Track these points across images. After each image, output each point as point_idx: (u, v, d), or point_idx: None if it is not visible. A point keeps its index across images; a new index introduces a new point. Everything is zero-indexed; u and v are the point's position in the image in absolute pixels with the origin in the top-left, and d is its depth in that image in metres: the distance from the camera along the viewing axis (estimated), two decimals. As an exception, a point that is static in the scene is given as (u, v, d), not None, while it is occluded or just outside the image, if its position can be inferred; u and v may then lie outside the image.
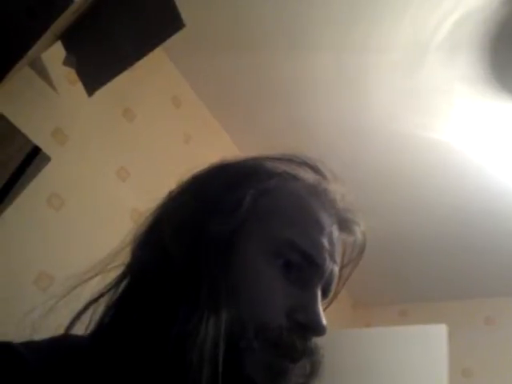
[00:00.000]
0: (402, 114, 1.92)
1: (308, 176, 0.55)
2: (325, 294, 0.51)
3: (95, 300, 0.49)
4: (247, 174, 0.53)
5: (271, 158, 0.57)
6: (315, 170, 0.57)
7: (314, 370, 0.48)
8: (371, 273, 2.55)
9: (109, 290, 0.50)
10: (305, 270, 0.48)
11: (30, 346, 0.43)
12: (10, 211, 1.28)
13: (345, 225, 0.55)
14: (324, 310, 0.50)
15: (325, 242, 0.50)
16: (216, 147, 2.12)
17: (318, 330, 0.47)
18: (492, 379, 2.42)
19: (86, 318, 0.49)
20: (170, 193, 0.54)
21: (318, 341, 0.48)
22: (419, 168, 2.13)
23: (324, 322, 0.47)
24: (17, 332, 0.46)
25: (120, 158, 1.70)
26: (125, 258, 0.51)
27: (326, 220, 0.52)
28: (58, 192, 1.48)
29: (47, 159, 1.37)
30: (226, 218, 0.48)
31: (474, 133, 1.94)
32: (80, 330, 0.48)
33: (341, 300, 0.60)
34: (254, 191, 0.50)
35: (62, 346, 0.46)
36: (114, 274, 0.51)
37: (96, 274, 0.50)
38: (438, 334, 1.78)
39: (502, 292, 2.59)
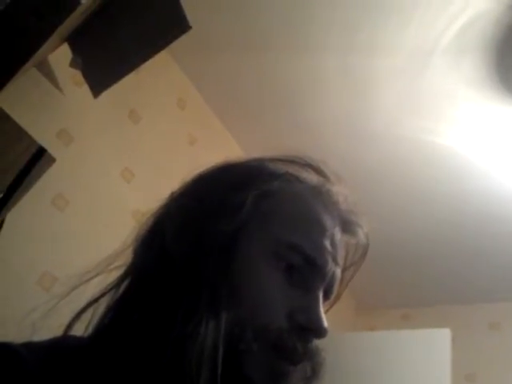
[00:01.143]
0: (407, 117, 1.92)
1: (311, 177, 0.55)
2: (327, 296, 0.50)
3: (96, 300, 0.49)
4: (250, 175, 0.52)
5: (274, 159, 0.56)
6: (318, 171, 0.56)
7: (315, 373, 0.47)
8: (374, 276, 2.54)
9: (110, 289, 0.49)
10: (306, 272, 0.48)
11: (30, 346, 0.43)
12: (15, 211, 1.28)
13: (348, 227, 0.54)
14: (326, 312, 0.49)
15: (327, 244, 0.49)
16: (221, 149, 2.12)
17: (319, 331, 0.46)
18: (496, 385, 2.41)
19: (86, 318, 0.48)
20: (173, 193, 0.53)
21: (319, 343, 0.48)
22: (424, 172, 2.12)
23: (325, 323, 0.47)
24: (18, 332, 0.46)
25: (124, 160, 1.71)
26: (127, 258, 0.51)
27: (329, 222, 0.51)
28: (63, 193, 1.48)
29: (52, 160, 1.37)
30: (227, 219, 0.47)
31: (480, 137, 1.93)
32: (80, 329, 0.48)
33: (344, 303, 0.60)
34: (257, 193, 0.49)
35: (61, 347, 0.46)
36: (115, 274, 0.50)
37: (97, 274, 0.50)
38: (441, 338, 1.77)
39: (507, 297, 2.58)
